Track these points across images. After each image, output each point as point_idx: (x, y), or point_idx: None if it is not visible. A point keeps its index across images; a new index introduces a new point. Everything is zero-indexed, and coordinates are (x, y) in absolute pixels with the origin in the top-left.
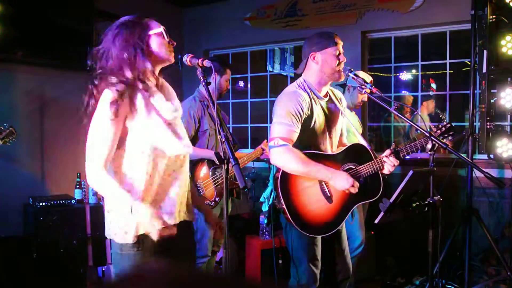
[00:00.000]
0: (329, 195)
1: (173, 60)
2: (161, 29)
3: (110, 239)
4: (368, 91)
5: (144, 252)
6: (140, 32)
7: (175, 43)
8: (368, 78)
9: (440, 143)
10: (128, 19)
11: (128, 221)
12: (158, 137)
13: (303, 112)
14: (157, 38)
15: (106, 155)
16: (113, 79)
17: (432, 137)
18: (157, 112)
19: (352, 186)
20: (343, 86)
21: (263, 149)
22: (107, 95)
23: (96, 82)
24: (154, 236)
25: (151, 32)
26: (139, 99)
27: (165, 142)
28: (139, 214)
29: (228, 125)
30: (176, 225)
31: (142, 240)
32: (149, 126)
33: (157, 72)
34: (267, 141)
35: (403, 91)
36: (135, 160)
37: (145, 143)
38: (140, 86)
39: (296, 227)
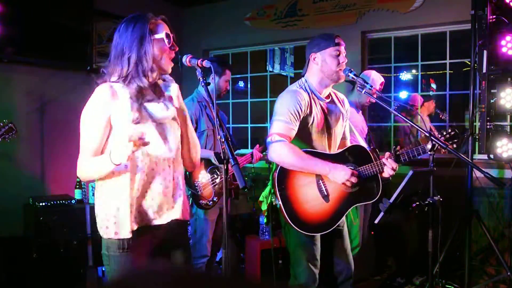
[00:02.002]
0: (326, 193)
1: (169, 71)
2: (163, 34)
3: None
4: (368, 91)
5: (132, 254)
6: (145, 34)
7: (177, 48)
8: (380, 79)
9: (440, 143)
10: (136, 17)
11: (110, 213)
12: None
13: (301, 110)
14: (158, 44)
15: (92, 149)
16: (107, 77)
17: (432, 137)
18: (147, 112)
19: (352, 176)
20: (352, 83)
21: (253, 154)
22: (96, 92)
23: (97, 80)
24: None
25: (155, 37)
26: (129, 97)
27: (151, 144)
28: (121, 208)
29: (227, 125)
30: (164, 225)
31: (128, 240)
32: (135, 125)
33: (155, 74)
34: (259, 145)
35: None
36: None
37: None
38: (134, 85)
39: (292, 225)
